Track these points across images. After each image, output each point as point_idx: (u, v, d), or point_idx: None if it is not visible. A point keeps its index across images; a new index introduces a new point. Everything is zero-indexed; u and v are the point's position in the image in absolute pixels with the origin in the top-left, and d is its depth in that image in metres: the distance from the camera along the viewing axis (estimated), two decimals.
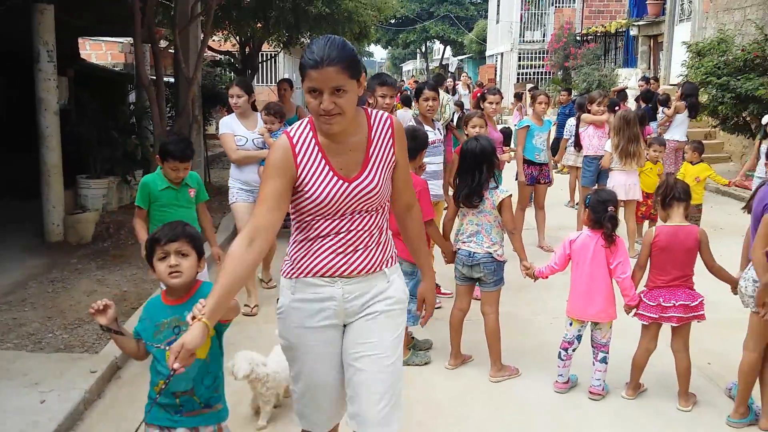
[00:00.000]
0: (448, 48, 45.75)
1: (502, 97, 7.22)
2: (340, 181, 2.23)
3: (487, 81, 29.31)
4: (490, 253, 3.93)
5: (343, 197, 2.24)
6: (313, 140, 2.24)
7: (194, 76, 7.46)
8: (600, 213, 3.72)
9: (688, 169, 7.25)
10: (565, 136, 9.32)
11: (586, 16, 22.79)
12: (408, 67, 57.69)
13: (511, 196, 4.00)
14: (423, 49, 48.93)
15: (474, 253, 3.95)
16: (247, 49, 11.66)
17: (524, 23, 26.03)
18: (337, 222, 2.27)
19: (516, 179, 6.85)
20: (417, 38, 44.09)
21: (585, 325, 3.83)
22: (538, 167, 6.77)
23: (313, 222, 2.28)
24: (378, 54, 70.40)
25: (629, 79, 15.60)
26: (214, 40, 11.65)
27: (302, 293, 2.32)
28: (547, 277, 3.98)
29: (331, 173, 2.23)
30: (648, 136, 7.77)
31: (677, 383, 3.72)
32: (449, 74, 37.97)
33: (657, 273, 3.66)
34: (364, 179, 2.26)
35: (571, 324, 3.85)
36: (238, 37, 11.51)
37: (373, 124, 2.31)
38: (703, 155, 7.25)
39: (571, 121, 8.96)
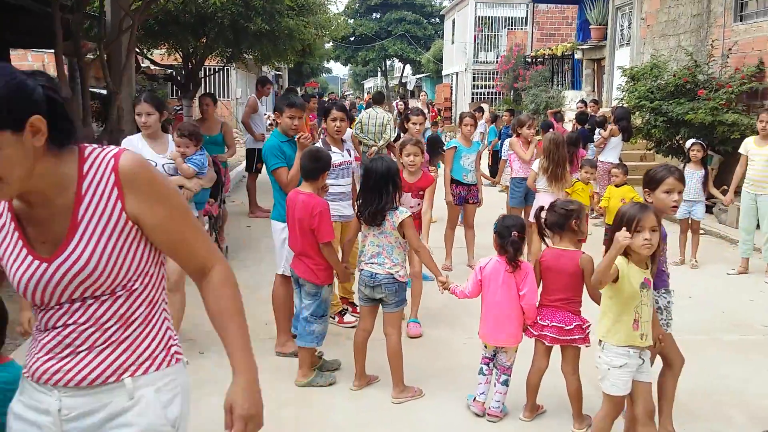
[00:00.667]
0: (408, 66, 46.24)
1: (426, 117, 7.30)
2: (36, 261, 1.59)
3: (443, 100, 29.71)
4: (392, 274, 3.95)
5: (43, 283, 1.59)
6: (7, 204, 1.63)
7: (121, 90, 7.37)
8: (505, 238, 3.76)
9: (613, 191, 7.41)
10: (503, 157, 9.47)
11: (537, 39, 23.22)
12: (369, 84, 58.10)
13: (411, 216, 4.03)
14: (383, 67, 49.38)
15: (376, 274, 3.96)
16: (190, 64, 11.57)
17: (478, 44, 26.45)
18: (50, 313, 1.64)
19: (445, 199, 6.89)
20: (376, 56, 44.53)
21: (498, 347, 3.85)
22: (466, 187, 6.83)
23: (35, 311, 1.68)
24: (339, 70, 70.71)
25: (574, 101, 15.92)
26: (152, 53, 11.55)
27: (25, 395, 1.70)
28: (460, 297, 4.00)
29: (24, 251, 1.60)
30: (583, 158, 7.91)
31: None
32: (407, 92, 38.38)
33: (544, 292, 3.74)
34: (70, 255, 1.58)
35: (486, 346, 3.88)
36: (180, 52, 11.41)
37: (86, 174, 1.59)
38: (629, 176, 7.44)
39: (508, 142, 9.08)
